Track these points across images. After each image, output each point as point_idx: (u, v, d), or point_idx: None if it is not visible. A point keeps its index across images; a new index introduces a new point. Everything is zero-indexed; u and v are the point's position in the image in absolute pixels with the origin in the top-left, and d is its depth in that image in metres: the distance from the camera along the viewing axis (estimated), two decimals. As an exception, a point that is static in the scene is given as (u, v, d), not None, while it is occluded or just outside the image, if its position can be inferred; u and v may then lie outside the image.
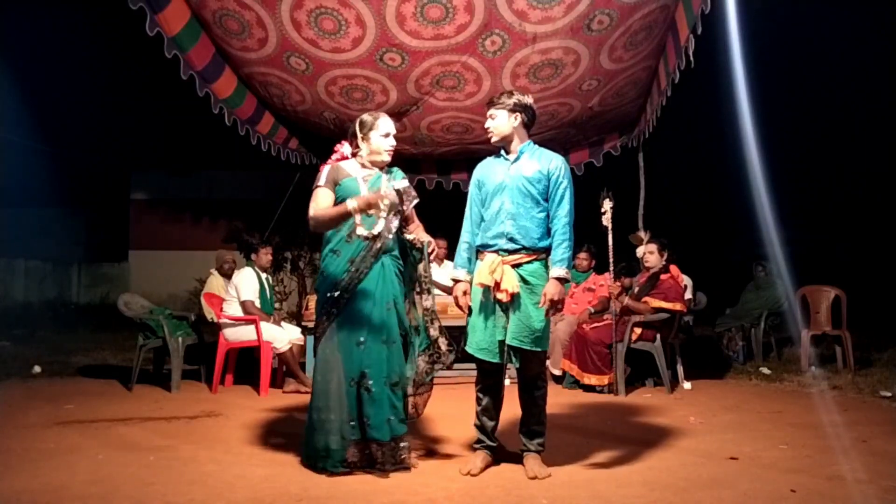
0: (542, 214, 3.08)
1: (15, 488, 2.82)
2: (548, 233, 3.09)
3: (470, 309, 3.14)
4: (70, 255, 13.02)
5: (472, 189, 3.27)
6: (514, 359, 3.02)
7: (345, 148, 3.28)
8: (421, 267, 3.26)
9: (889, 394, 4.89)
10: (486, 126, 3.19)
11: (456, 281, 3.22)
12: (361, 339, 3.03)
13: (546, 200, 3.08)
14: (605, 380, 5.20)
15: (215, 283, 5.98)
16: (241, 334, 5.31)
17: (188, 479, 2.95)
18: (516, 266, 3.04)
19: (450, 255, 6.26)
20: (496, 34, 4.76)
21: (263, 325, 5.23)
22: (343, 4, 4.50)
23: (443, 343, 3.21)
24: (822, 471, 3.08)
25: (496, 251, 3.07)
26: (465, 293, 3.16)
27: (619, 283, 5.36)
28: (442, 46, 4.88)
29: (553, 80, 5.29)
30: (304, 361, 5.51)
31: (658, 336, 5.24)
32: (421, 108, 5.75)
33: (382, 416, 3.02)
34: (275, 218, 7.25)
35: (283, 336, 5.26)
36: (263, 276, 5.63)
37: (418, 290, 3.26)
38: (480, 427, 3.18)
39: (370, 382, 3.01)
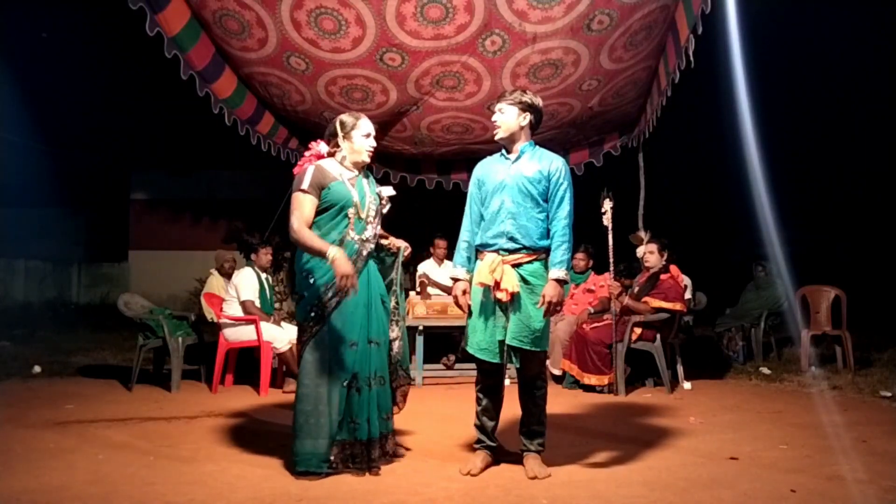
0: (542, 215, 3.08)
1: (15, 488, 2.82)
2: (548, 233, 3.09)
3: (470, 308, 3.14)
4: (70, 255, 13.01)
5: (472, 188, 3.27)
6: (514, 359, 3.03)
7: (321, 146, 3.26)
8: (394, 271, 3.35)
9: (889, 394, 4.89)
10: (493, 119, 3.17)
11: (455, 280, 3.23)
12: (353, 340, 3.05)
13: (546, 201, 3.08)
14: (605, 380, 5.20)
15: (215, 283, 5.98)
16: (241, 334, 5.31)
17: (188, 480, 2.96)
18: (516, 266, 3.04)
19: (450, 255, 6.27)
20: (496, 34, 4.76)
21: (263, 325, 5.23)
22: (343, 4, 4.50)
23: (395, 346, 3.28)
24: (822, 471, 3.08)
25: (496, 251, 3.07)
26: (464, 292, 3.16)
27: (619, 283, 5.36)
28: (442, 46, 4.88)
29: (553, 80, 5.29)
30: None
31: (658, 336, 5.24)
32: (421, 108, 5.75)
33: (373, 415, 3.07)
34: (275, 218, 7.24)
35: (282, 336, 5.26)
36: (263, 276, 5.64)
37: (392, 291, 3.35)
38: (480, 427, 3.18)
39: (360, 383, 3.05)
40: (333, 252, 2.90)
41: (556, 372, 5.56)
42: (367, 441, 3.05)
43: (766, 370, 6.01)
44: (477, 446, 3.19)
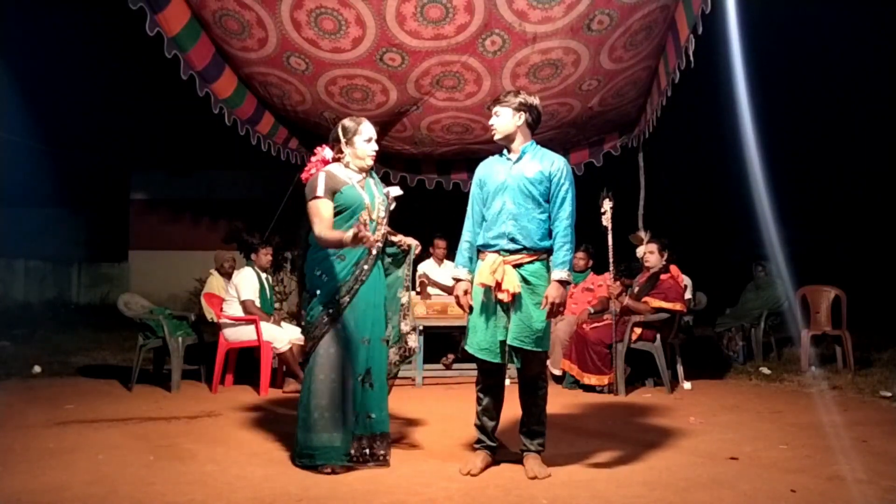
0: (544, 215, 3.08)
1: (15, 488, 2.82)
2: (549, 233, 3.09)
3: (471, 308, 3.15)
4: (70, 255, 13.01)
5: (473, 188, 3.27)
6: (514, 359, 3.03)
7: (326, 152, 3.30)
8: (405, 267, 3.45)
9: (889, 394, 4.89)
10: (489, 123, 3.18)
11: (457, 280, 3.23)
12: (366, 336, 3.18)
13: (547, 202, 3.08)
14: (605, 380, 5.20)
15: (215, 283, 5.98)
16: (241, 334, 5.31)
17: (188, 479, 2.96)
18: (517, 266, 3.04)
19: (450, 255, 6.28)
20: (496, 34, 4.76)
21: (263, 325, 5.23)
22: (343, 4, 4.50)
23: (411, 339, 3.41)
24: (822, 471, 3.08)
25: (497, 251, 3.07)
26: (465, 292, 3.16)
27: (619, 283, 5.36)
28: (442, 46, 4.88)
29: (553, 80, 5.29)
30: (304, 361, 5.51)
31: (658, 336, 5.24)
32: (421, 108, 5.75)
33: (383, 410, 3.22)
34: (275, 218, 7.25)
35: (283, 336, 5.26)
36: (263, 276, 5.64)
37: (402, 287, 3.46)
38: (481, 427, 3.18)
39: (373, 378, 3.18)
40: (349, 232, 2.87)
41: (557, 372, 5.56)
42: (381, 434, 3.18)
43: (766, 370, 6.01)
44: (477, 446, 3.19)
